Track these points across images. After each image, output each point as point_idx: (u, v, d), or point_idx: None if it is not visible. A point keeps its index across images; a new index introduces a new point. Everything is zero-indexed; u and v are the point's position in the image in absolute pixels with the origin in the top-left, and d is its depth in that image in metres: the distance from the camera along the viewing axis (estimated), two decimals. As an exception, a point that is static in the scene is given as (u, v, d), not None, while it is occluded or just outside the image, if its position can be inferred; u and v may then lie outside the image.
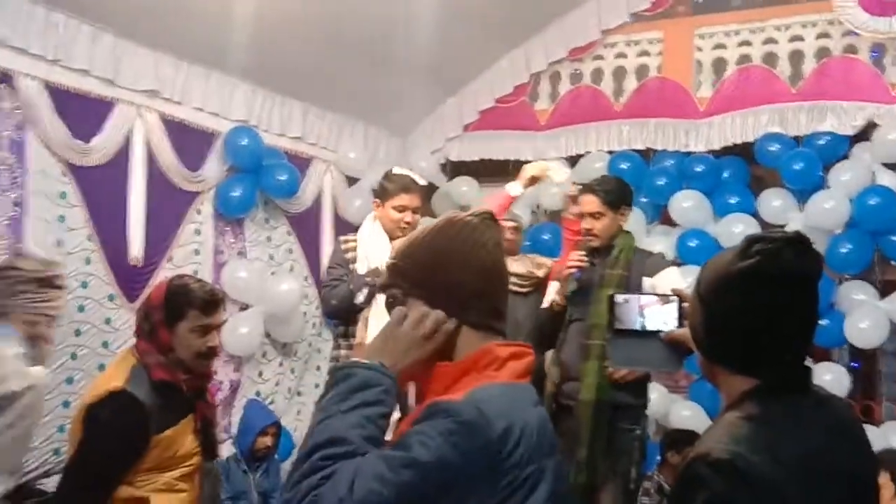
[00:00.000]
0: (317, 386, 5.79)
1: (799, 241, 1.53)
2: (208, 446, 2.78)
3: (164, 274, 4.61)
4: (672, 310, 1.87)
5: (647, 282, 3.75)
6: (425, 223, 2.93)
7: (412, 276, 1.56)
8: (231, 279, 5.19)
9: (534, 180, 4.30)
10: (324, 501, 1.27)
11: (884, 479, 2.21)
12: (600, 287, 3.74)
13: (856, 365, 5.70)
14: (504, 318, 1.57)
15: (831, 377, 5.02)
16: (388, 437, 1.41)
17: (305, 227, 5.83)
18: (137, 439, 2.52)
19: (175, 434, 2.61)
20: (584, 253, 3.85)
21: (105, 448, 2.49)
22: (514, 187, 4.32)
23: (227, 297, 5.08)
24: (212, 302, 2.71)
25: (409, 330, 1.48)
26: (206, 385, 2.79)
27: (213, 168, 5.15)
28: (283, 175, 5.42)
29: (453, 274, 1.53)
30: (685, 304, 1.82)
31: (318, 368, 5.83)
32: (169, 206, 4.89)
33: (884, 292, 5.12)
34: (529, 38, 6.24)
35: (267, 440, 4.85)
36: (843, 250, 5.08)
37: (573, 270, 3.81)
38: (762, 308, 1.51)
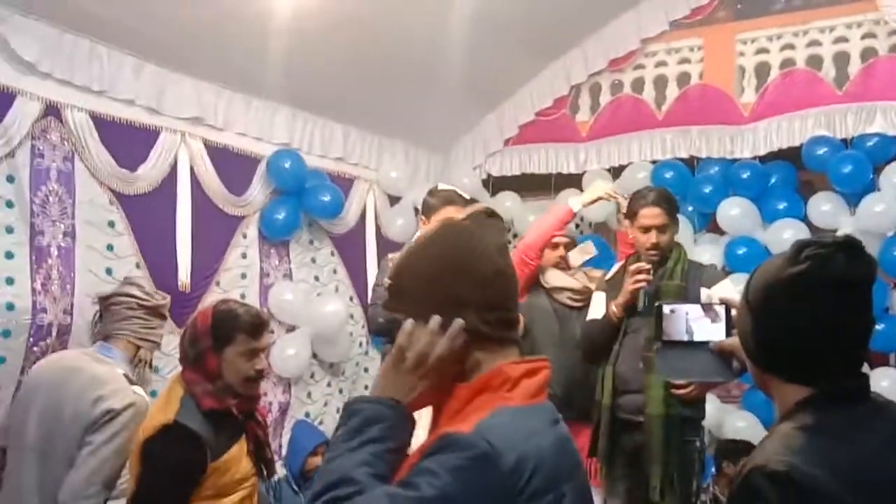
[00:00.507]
0: (366, 405, 5.79)
1: (850, 246, 1.49)
2: (263, 466, 2.80)
3: (212, 298, 4.65)
4: (720, 319, 1.84)
5: (704, 292, 3.68)
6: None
7: (411, 294, 1.47)
8: (277, 301, 5.23)
9: (596, 199, 4.34)
10: None
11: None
12: (658, 299, 3.67)
13: (915, 370, 5.55)
14: (516, 325, 1.49)
15: (888, 383, 4.89)
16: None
17: (349, 247, 5.85)
18: (194, 470, 2.55)
19: (230, 458, 2.63)
20: (650, 266, 3.76)
21: (163, 482, 2.52)
22: (575, 203, 4.31)
23: (272, 319, 5.16)
24: (259, 325, 2.72)
25: (412, 366, 1.41)
26: (255, 406, 2.81)
27: (258, 192, 5.20)
28: (327, 196, 5.45)
29: (455, 288, 1.43)
30: (733, 313, 1.79)
31: (366, 387, 5.83)
32: (215, 231, 4.94)
33: (941, 295, 5.00)
34: (568, 51, 6.22)
35: (317, 460, 4.86)
36: (898, 253, 4.96)
37: (642, 285, 3.74)
38: (813, 315, 1.47)
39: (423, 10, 4.99)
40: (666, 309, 1.91)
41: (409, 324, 1.43)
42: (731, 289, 3.67)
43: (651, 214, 3.80)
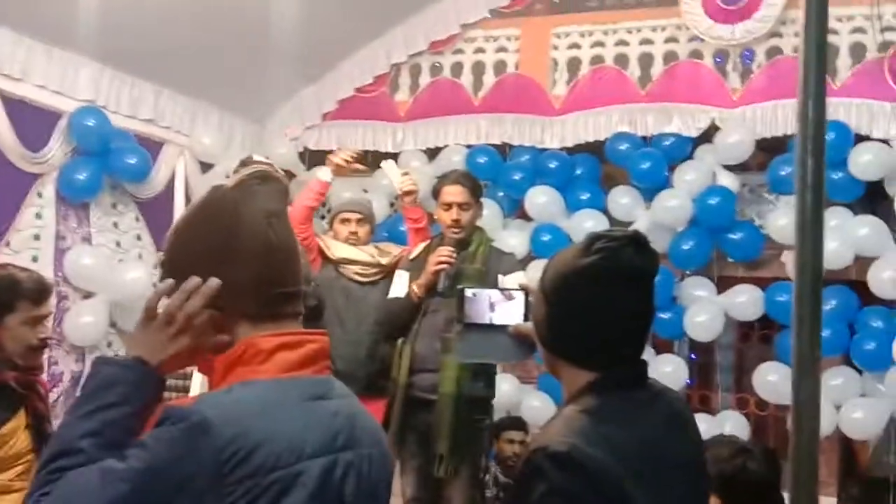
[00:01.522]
0: (165, 377, 5.64)
1: (638, 240, 1.59)
2: (43, 442, 2.66)
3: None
4: (519, 304, 1.92)
5: (501, 279, 3.82)
6: None
7: (176, 273, 1.40)
8: (74, 266, 4.97)
9: (340, 168, 4.40)
10: None
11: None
12: (458, 281, 3.78)
13: (694, 357, 5.99)
14: (297, 298, 1.43)
15: (671, 368, 5.23)
16: None
17: (156, 213, 5.62)
18: None
19: (6, 433, 2.50)
20: (452, 249, 3.87)
21: None
22: (324, 173, 4.39)
23: (67, 284, 4.92)
24: (42, 290, 2.59)
25: (162, 324, 1.35)
26: (36, 378, 2.67)
27: (57, 149, 4.91)
28: (133, 158, 5.22)
29: (217, 268, 1.36)
30: (531, 299, 1.87)
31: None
32: (6, 188, 4.65)
33: (720, 288, 5.40)
34: (390, 29, 6.23)
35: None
36: (685, 247, 5.32)
37: (444, 266, 3.82)
38: (602, 304, 1.56)
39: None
40: (468, 293, 1.96)
41: (166, 283, 1.37)
42: (523, 279, 3.82)
43: (452, 192, 3.94)
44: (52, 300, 2.72)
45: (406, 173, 4.50)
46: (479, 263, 3.87)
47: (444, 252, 3.84)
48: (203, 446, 1.21)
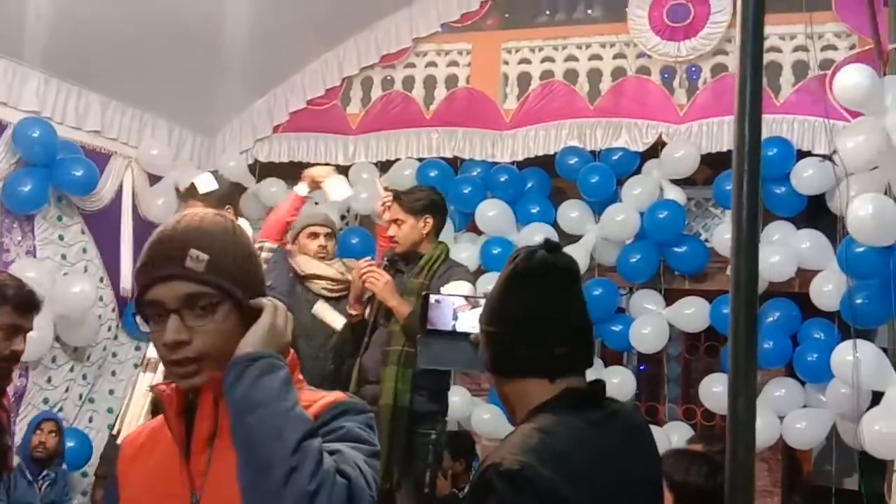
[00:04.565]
0: (111, 392, 5.54)
1: (549, 244, 1.68)
2: (1, 455, 2.59)
3: (-59, 273, 4.26)
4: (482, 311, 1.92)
5: (444, 290, 3.83)
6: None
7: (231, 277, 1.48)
8: (18, 279, 4.87)
9: (316, 183, 4.39)
10: (353, 482, 1.28)
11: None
12: (402, 295, 3.81)
13: (643, 368, 6.07)
14: None
15: (619, 380, 5.29)
16: None
17: (103, 225, 5.54)
18: None
19: None
20: (372, 259, 3.96)
21: None
22: (301, 188, 4.40)
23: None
24: (29, 304, 2.49)
25: (283, 324, 1.43)
26: (2, 390, 2.60)
27: (1, 161, 4.83)
28: (79, 170, 5.15)
29: (257, 272, 1.51)
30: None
31: (114, 374, 5.58)
32: (-51, 200, 4.54)
33: (668, 300, 5.48)
34: (342, 42, 6.24)
35: (41, 437, 4.68)
36: (633, 260, 5.40)
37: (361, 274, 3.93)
38: (528, 306, 1.62)
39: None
40: (432, 299, 1.96)
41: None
42: (465, 289, 3.83)
43: (391, 209, 4.00)
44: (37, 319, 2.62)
45: (387, 188, 4.49)
46: (424, 278, 3.89)
47: (363, 263, 3.96)
48: None
